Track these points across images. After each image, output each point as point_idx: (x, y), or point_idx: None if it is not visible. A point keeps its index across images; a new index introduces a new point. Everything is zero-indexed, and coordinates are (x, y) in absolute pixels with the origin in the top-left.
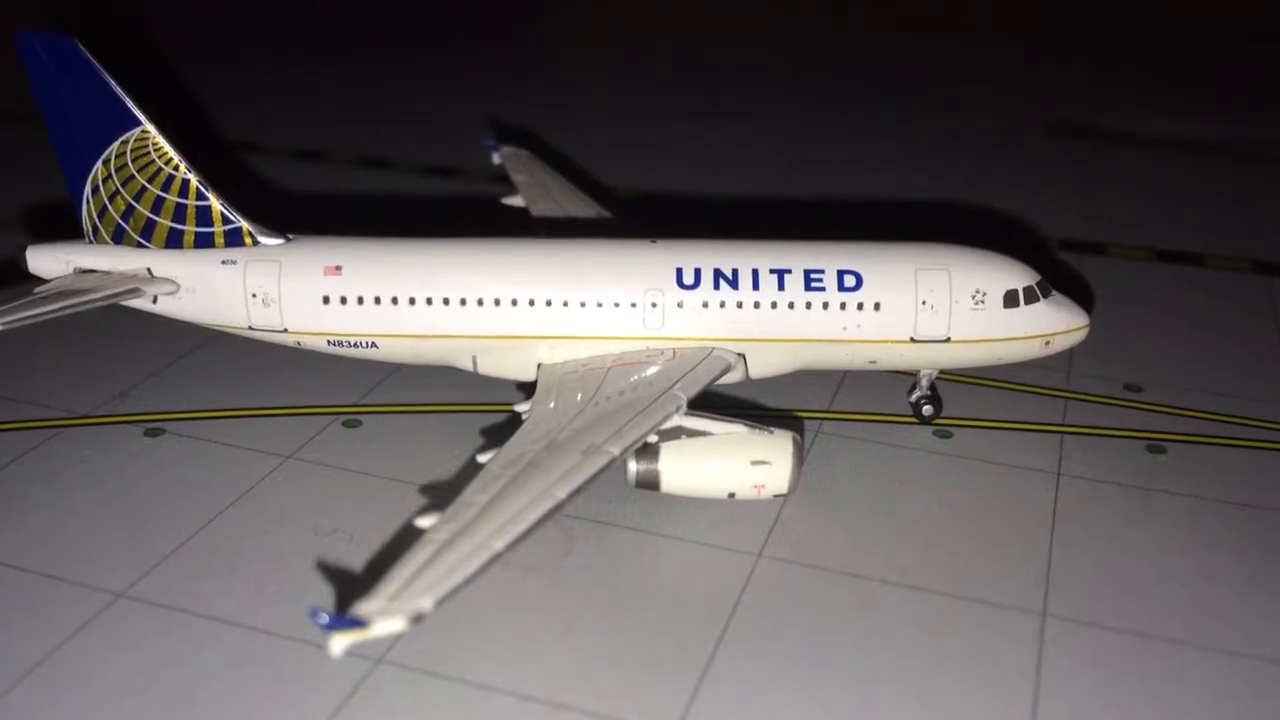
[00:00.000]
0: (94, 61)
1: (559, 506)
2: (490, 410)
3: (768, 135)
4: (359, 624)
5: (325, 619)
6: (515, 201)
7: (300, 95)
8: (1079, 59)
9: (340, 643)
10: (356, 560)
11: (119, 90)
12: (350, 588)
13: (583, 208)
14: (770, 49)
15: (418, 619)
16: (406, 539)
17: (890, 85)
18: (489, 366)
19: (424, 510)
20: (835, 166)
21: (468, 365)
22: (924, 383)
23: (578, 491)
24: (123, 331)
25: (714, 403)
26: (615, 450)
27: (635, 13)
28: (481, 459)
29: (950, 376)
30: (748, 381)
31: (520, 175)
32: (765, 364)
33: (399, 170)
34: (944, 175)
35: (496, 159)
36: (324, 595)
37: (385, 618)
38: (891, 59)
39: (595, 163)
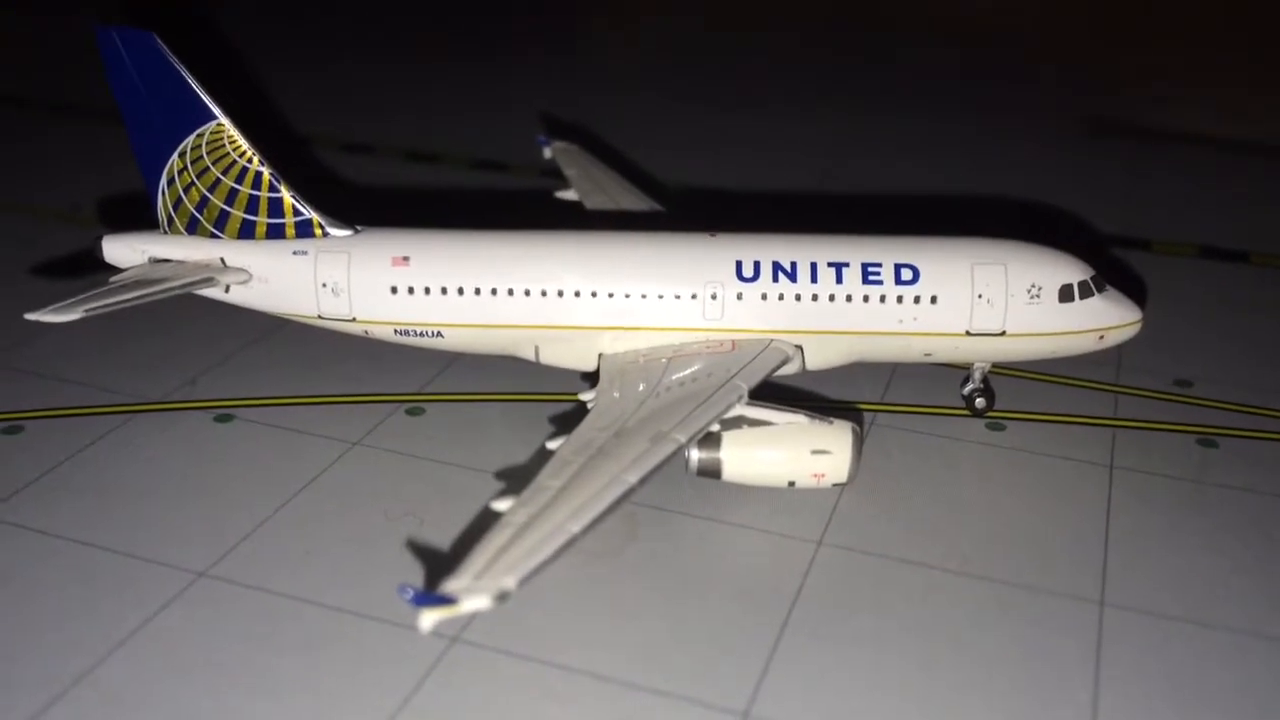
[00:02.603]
0: (171, 56)
1: (631, 491)
2: (547, 399)
3: (809, 131)
4: (447, 600)
5: (413, 595)
6: (569, 195)
7: (347, 88)
8: (1120, 54)
9: (429, 618)
10: (428, 542)
11: (195, 84)
12: (424, 569)
13: (635, 201)
14: (811, 45)
15: (502, 597)
16: (476, 521)
17: (929, 81)
18: (551, 356)
19: (497, 495)
20: (876, 162)
21: (530, 355)
22: (977, 375)
23: (648, 477)
24: (191, 319)
25: (769, 393)
26: (682, 438)
27: (679, 10)
28: (551, 445)
29: (1001, 370)
30: (803, 373)
31: (572, 169)
32: (822, 356)
33: (449, 164)
34: (985, 171)
35: (548, 153)
36: (398, 576)
37: (471, 595)
38: (931, 55)
39: (642, 156)
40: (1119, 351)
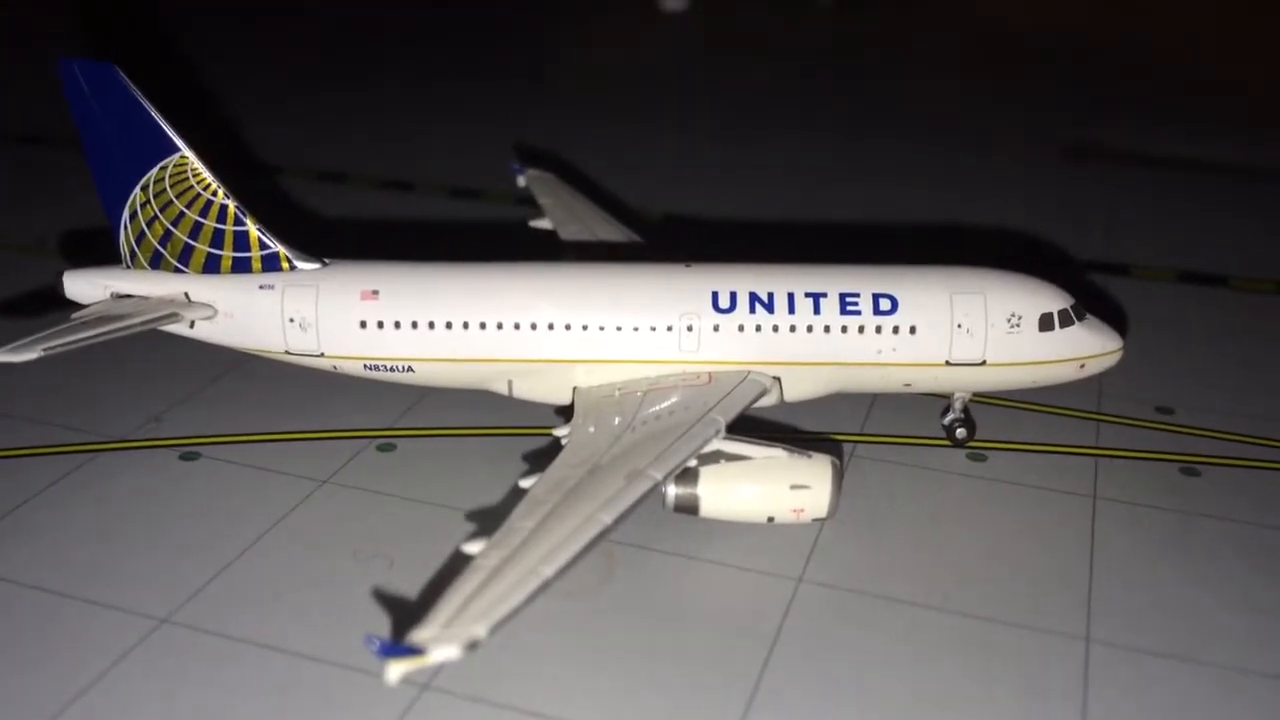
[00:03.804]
0: (133, 88)
1: (606, 532)
2: (522, 434)
3: (785, 158)
4: (415, 651)
5: (380, 645)
6: (543, 224)
7: (317, 117)
8: (1095, 81)
9: (396, 670)
10: (398, 585)
11: (158, 117)
12: (393, 612)
13: (610, 230)
14: (786, 72)
15: (473, 646)
16: (447, 563)
17: (904, 109)
18: (524, 390)
19: (469, 536)
20: (853, 190)
21: (503, 389)
22: (957, 405)
23: (623, 516)
24: (155, 355)
25: (746, 426)
26: (658, 475)
27: (653, 39)
28: (524, 484)
29: (982, 399)
30: (781, 405)
31: (546, 198)
32: (800, 387)
33: (421, 192)
34: (963, 198)
35: (522, 182)
36: (366, 620)
37: (441, 645)
38: (906, 83)
39: (616, 184)
40: (1100, 379)
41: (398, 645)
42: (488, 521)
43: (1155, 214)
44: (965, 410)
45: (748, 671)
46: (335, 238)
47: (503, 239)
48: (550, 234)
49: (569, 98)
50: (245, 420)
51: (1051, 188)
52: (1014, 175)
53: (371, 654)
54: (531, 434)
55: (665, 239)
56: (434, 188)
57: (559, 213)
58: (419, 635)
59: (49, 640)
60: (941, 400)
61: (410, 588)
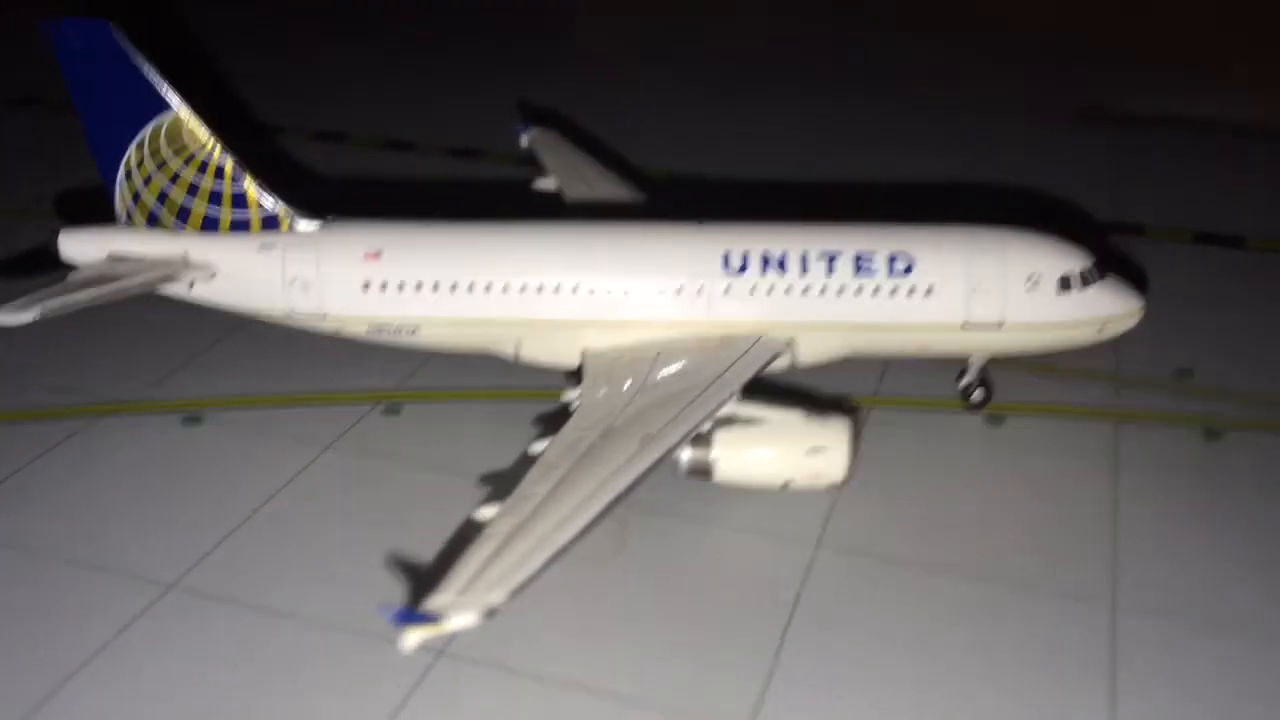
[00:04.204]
0: (127, 44)
1: (621, 497)
2: (529, 396)
3: (795, 118)
4: (431, 618)
5: (396, 612)
6: (547, 184)
7: (316, 75)
8: (1107, 41)
9: (413, 637)
10: (407, 549)
11: (152, 74)
12: (403, 577)
13: (616, 190)
14: (796, 30)
15: (490, 613)
16: (456, 528)
17: (917, 67)
18: (532, 353)
19: (480, 501)
20: (865, 149)
21: (509, 352)
22: (974, 368)
23: (638, 481)
24: (155, 317)
25: (760, 390)
26: (673, 439)
27: None
28: (535, 448)
29: (998, 361)
30: (795, 368)
31: (551, 158)
32: (815, 350)
33: (422, 152)
34: (975, 158)
35: (525, 141)
36: (378, 585)
37: (458, 612)
38: (919, 41)
39: (621, 144)
40: (1118, 341)
41: (414, 612)
42: (498, 486)
43: (1168, 176)
44: (982, 373)
45: (768, 639)
46: (335, 197)
47: (506, 200)
48: (555, 194)
49: (572, 57)
50: (248, 384)
51: (1065, 148)
52: (1028, 135)
53: (387, 621)
54: (539, 397)
55: (670, 198)
56: (434, 148)
57: (564, 173)
58: (435, 602)
59: (54, 607)
60: (958, 363)
61: (421, 552)
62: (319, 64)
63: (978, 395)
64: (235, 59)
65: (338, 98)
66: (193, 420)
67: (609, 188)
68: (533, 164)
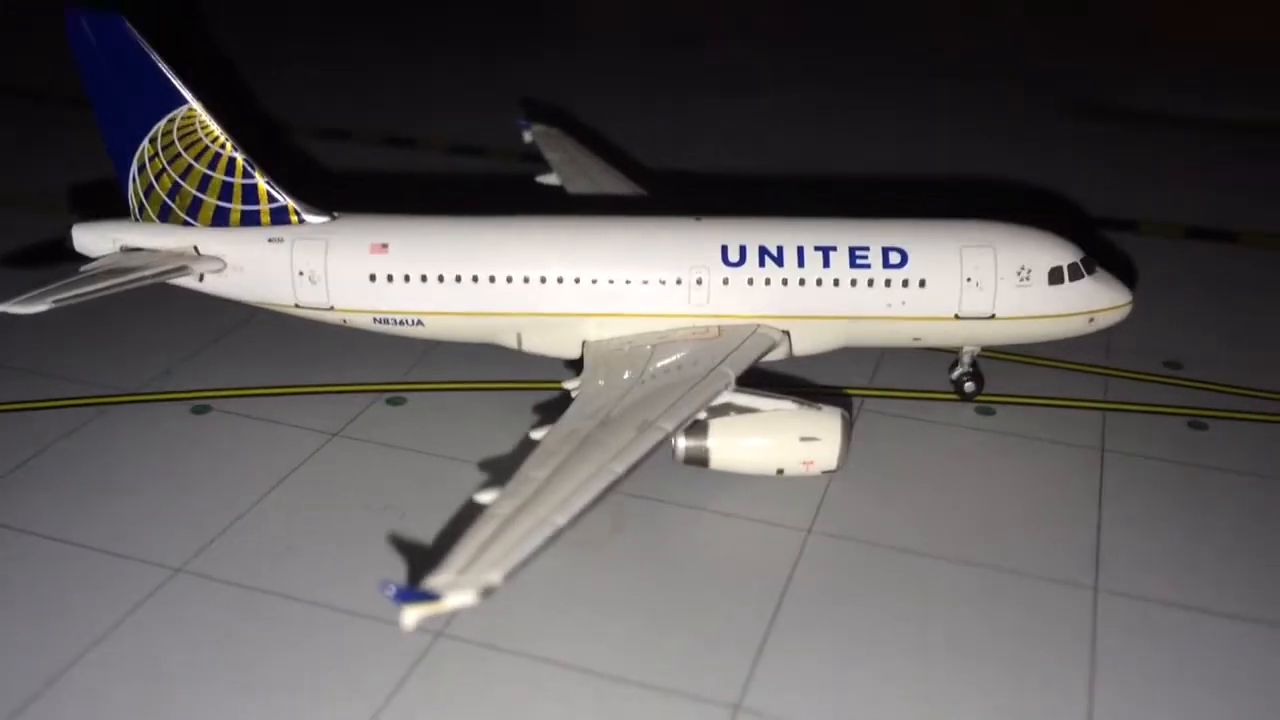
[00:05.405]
0: (141, 39)
1: (618, 482)
2: (530, 387)
3: (792, 113)
4: (430, 596)
5: (396, 591)
6: (550, 180)
7: (323, 72)
8: (1100, 37)
9: (412, 615)
10: (410, 535)
11: (166, 69)
12: (406, 562)
13: (618, 185)
14: (791, 27)
15: (488, 592)
16: (458, 514)
17: (910, 63)
18: (534, 344)
19: (481, 486)
20: (860, 144)
21: (511, 343)
22: (966, 359)
23: (634, 467)
24: (165, 309)
25: (755, 380)
26: (669, 426)
27: None
28: (535, 435)
29: (990, 353)
30: (791, 358)
31: (554, 153)
32: (810, 341)
33: (427, 149)
34: (970, 153)
35: (528, 137)
36: (380, 569)
37: (456, 590)
38: (912, 36)
39: (623, 140)
40: (1108, 333)
41: (414, 591)
42: (499, 472)
43: (1160, 170)
44: (974, 364)
45: (757, 622)
46: (342, 192)
47: (510, 195)
48: (558, 189)
49: (573, 52)
50: (255, 374)
51: (1056, 143)
52: (1016, 131)
53: (387, 599)
54: (540, 388)
55: (671, 193)
56: (436, 144)
57: (566, 168)
58: (435, 581)
59: (64, 590)
60: (950, 354)
61: (423, 537)
62: (327, 62)
63: (969, 386)
64: (245, 56)
65: (345, 95)
66: (201, 409)
67: (611, 182)
68: (538, 160)
